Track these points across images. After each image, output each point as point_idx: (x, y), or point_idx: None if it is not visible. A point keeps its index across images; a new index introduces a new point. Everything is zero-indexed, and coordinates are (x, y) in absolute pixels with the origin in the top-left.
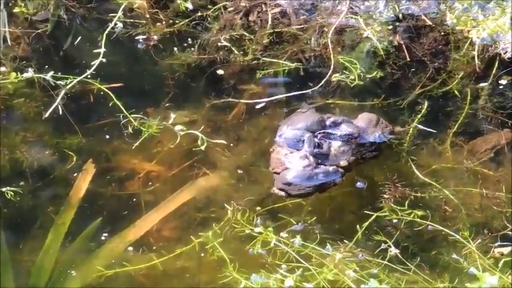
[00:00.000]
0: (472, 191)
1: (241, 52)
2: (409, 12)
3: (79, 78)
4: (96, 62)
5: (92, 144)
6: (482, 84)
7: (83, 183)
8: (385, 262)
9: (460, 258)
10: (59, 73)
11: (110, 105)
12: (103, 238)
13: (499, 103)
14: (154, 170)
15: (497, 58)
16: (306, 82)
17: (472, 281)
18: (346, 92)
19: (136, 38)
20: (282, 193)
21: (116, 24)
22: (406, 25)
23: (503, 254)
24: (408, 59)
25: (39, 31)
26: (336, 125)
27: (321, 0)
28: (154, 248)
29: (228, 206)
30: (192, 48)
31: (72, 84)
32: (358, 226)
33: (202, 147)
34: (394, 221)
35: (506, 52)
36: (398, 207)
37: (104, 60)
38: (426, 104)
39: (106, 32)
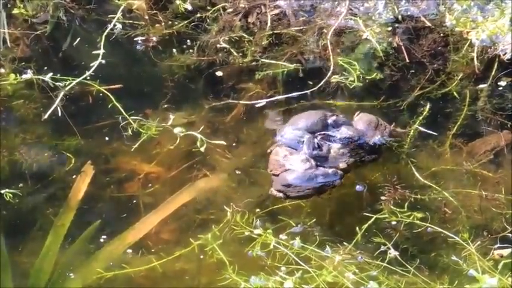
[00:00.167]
0: (472, 193)
1: (240, 54)
2: (408, 13)
3: (78, 80)
4: (95, 64)
5: (91, 146)
6: (481, 86)
7: (82, 185)
8: (385, 264)
9: (460, 260)
10: (58, 74)
11: (109, 106)
12: (102, 240)
13: (498, 104)
14: (153, 171)
15: (497, 59)
16: (305, 83)
17: (472, 283)
18: (346, 93)
19: (136, 39)
20: (280, 194)
21: (115, 25)
22: (406, 26)
23: (502, 256)
24: (407, 61)
25: (38, 32)
26: (337, 124)
27: (320, 1)
28: (153, 250)
29: (228, 208)
30: (191, 50)
31: (71, 85)
32: (357, 228)
33: (202, 149)
34: (393, 223)
35: (506, 53)
36: (398, 209)
37: (103, 61)
38: (428, 106)
39: (105, 34)
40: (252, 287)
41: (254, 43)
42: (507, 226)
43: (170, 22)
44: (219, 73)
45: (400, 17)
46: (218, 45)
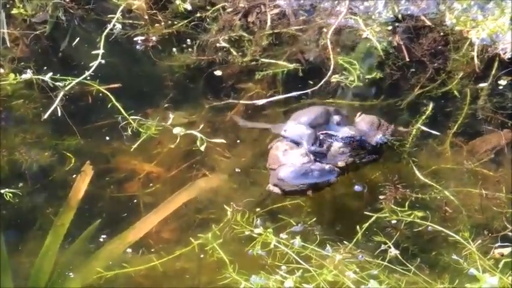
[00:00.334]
0: (472, 192)
1: (240, 53)
2: (409, 12)
3: (78, 80)
4: (94, 63)
5: (91, 146)
6: (481, 85)
7: (82, 184)
8: (385, 263)
9: (460, 259)
10: (58, 74)
11: (109, 106)
12: (102, 240)
13: (499, 103)
14: (153, 171)
15: (497, 58)
16: (305, 83)
17: (472, 282)
18: (346, 93)
19: (135, 39)
20: (277, 189)
21: (114, 25)
22: (406, 25)
23: (503, 255)
24: (407, 60)
25: (37, 32)
26: (340, 123)
27: (320, 0)
28: (153, 249)
29: (228, 207)
30: (191, 49)
31: (70, 85)
32: (358, 227)
33: (202, 148)
34: (394, 221)
35: (506, 52)
36: (399, 208)
37: (103, 61)
38: (431, 105)
39: (105, 33)
40: (252, 286)
41: (254, 42)
42: (507, 225)
43: (170, 22)
44: (218, 73)
45: (400, 16)
46: (218, 45)
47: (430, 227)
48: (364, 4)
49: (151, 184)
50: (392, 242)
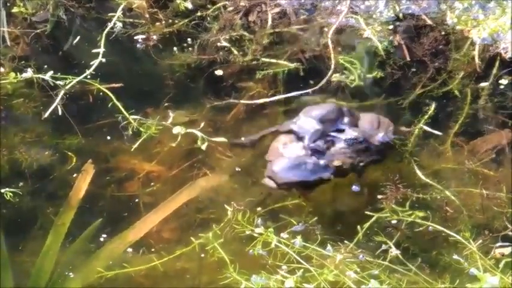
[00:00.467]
0: (473, 192)
1: (241, 52)
2: (410, 11)
3: (78, 79)
4: (95, 62)
5: (91, 145)
6: (482, 84)
7: (82, 184)
8: (386, 263)
9: (461, 258)
10: (58, 73)
11: (110, 105)
12: (103, 239)
13: (500, 103)
14: (154, 170)
15: (498, 58)
16: (306, 82)
17: (473, 282)
18: (347, 92)
19: (136, 37)
20: (271, 183)
21: (115, 24)
22: (407, 25)
23: (504, 255)
24: (408, 59)
25: (38, 31)
26: (348, 125)
27: (321, 0)
28: (154, 249)
29: (229, 206)
30: (192, 48)
31: (71, 84)
32: (358, 227)
33: (203, 147)
34: (394, 221)
35: (507, 52)
36: (399, 208)
37: (103, 60)
38: (434, 105)
39: (105, 32)
40: (253, 286)
41: (255, 42)
42: (508, 225)
43: (170, 21)
44: (219, 72)
45: (401, 15)
46: (219, 44)
47: (430, 227)
48: (365, 3)
49: (152, 183)
50: (393, 241)
